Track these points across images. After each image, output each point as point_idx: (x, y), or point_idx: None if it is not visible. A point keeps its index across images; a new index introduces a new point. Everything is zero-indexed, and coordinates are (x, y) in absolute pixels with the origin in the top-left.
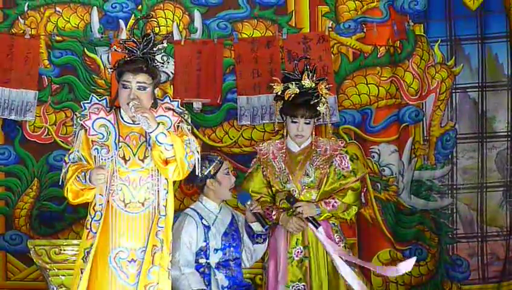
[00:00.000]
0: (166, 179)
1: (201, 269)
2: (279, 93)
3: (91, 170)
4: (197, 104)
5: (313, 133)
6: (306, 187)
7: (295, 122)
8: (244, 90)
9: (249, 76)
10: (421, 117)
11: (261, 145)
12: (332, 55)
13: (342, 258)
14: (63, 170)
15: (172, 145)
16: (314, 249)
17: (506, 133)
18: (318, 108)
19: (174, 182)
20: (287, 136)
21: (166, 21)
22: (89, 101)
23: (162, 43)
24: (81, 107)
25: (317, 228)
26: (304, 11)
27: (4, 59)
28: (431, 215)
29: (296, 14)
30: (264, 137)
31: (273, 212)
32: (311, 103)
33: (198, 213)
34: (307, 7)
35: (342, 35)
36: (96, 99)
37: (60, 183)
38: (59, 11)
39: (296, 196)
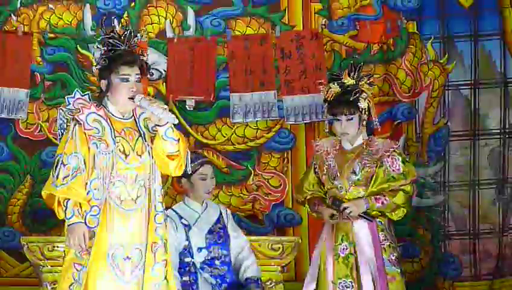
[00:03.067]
0: (162, 175)
1: (188, 268)
2: (324, 94)
3: (77, 224)
4: (190, 102)
5: (360, 130)
6: (353, 185)
7: (338, 120)
8: (236, 88)
9: (241, 73)
10: (414, 114)
11: (318, 141)
12: (326, 53)
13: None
14: (60, 172)
15: (178, 140)
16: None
17: (498, 131)
18: (359, 104)
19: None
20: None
21: (159, 18)
22: (72, 96)
23: (136, 36)
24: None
25: (371, 221)
26: (297, 8)
27: None
28: (424, 212)
29: (289, 11)
30: (257, 134)
31: (316, 207)
32: (351, 99)
33: (177, 213)
34: (300, 4)
35: (335, 32)
36: (80, 94)
37: (52, 183)
38: (52, 8)
39: (343, 193)
